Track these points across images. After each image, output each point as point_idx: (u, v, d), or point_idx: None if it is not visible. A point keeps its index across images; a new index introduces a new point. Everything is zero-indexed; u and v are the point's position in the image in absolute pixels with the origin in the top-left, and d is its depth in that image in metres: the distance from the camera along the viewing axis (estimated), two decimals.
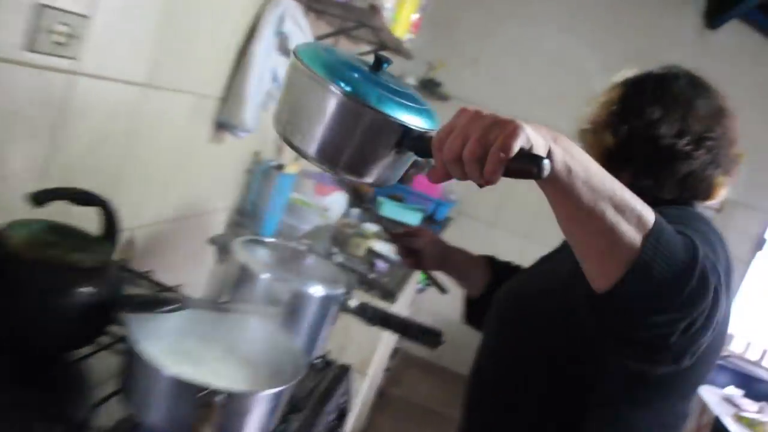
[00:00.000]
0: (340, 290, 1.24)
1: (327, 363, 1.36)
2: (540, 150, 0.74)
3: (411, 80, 4.59)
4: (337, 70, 0.83)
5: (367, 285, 2.26)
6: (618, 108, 1.23)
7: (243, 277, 1.19)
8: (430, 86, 4.60)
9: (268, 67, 1.86)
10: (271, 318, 1.17)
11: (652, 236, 0.79)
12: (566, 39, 4.39)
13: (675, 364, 0.84)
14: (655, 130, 1.17)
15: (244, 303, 1.16)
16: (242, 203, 2.32)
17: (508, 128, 0.72)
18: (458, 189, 4.57)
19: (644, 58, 1.38)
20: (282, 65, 1.92)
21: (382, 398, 3.85)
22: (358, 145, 0.84)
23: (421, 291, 3.79)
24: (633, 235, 0.78)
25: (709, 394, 3.53)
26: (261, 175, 2.28)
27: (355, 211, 3.61)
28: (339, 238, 2.73)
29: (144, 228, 1.69)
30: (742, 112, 1.24)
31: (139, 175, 1.60)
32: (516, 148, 0.71)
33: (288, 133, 0.88)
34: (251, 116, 1.85)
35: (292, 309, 1.19)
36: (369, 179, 0.86)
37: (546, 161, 0.73)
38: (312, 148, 0.85)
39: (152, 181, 1.68)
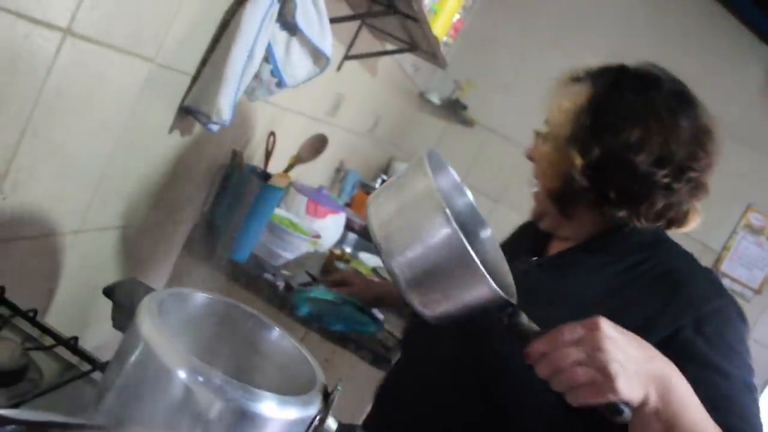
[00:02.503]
0: (311, 408, 0.72)
1: None
2: (632, 397, 0.75)
3: (434, 98, 4.10)
4: None
5: (355, 344, 1.75)
6: (589, 122, 1.07)
7: (148, 367, 0.69)
8: (454, 108, 4.11)
9: (261, 41, 1.35)
10: None
11: None
12: None
13: None
14: (632, 155, 1.03)
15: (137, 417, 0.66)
16: (207, 217, 1.81)
17: (607, 378, 0.73)
18: None
19: None
20: (281, 41, 1.42)
21: None
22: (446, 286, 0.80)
23: None
24: None
25: None
26: (238, 182, 1.77)
27: (351, 237, 3.10)
28: (329, 272, 2.21)
29: (41, 240, 1.18)
30: None
31: (50, 163, 1.10)
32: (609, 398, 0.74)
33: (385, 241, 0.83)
34: (230, 104, 1.35)
35: None
36: (430, 312, 0.82)
37: (626, 414, 0.75)
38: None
39: (70, 173, 1.17)
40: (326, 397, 0.74)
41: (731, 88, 3.78)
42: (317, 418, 0.72)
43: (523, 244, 1.28)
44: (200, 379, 0.66)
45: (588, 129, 1.07)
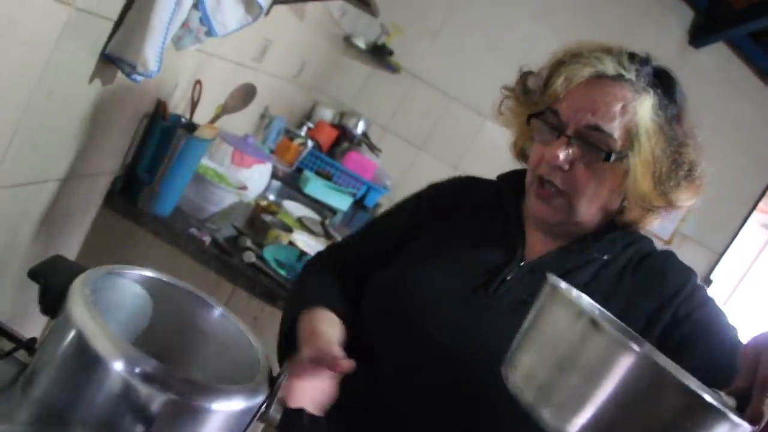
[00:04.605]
0: (257, 396, 0.69)
1: None
2: None
3: (360, 42, 4.01)
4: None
5: (284, 301, 1.72)
6: (673, 145, 1.02)
7: (81, 357, 0.64)
8: (380, 53, 4.03)
9: None
10: None
11: None
12: (538, 29, 3.91)
13: None
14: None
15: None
16: (129, 170, 1.72)
17: None
18: (394, 175, 4.05)
19: None
20: None
21: None
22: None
23: None
24: None
25: None
26: (163, 134, 1.68)
27: (275, 184, 3.03)
28: (255, 225, 2.16)
29: None
30: (708, 141, 1.07)
31: None
32: None
33: (535, 394, 0.65)
34: (156, 55, 1.26)
35: (172, 427, 0.64)
36: None
37: None
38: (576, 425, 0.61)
39: None
40: (272, 382, 0.72)
41: (652, 44, 3.84)
42: (263, 405, 0.69)
43: (493, 228, 1.14)
44: (137, 371, 0.62)
45: (671, 152, 1.01)
